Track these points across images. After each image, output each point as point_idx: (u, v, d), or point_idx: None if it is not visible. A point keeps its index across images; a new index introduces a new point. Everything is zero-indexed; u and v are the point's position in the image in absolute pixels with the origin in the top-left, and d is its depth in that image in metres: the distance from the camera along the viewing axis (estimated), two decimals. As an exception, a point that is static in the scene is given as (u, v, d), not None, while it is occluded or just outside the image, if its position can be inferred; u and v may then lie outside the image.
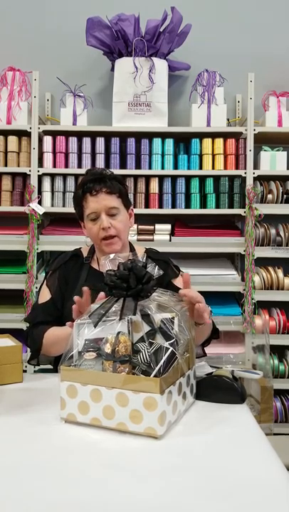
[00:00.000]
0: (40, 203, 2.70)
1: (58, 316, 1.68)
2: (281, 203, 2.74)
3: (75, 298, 1.40)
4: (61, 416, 1.20)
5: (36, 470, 0.98)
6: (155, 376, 1.12)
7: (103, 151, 2.75)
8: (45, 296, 1.72)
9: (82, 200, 1.67)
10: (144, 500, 0.87)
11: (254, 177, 2.70)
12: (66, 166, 2.74)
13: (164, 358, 1.14)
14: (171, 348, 1.16)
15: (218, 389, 1.36)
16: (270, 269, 2.74)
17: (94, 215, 1.64)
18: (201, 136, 2.75)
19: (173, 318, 1.23)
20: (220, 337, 1.77)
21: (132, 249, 1.78)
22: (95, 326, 1.21)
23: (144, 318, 1.21)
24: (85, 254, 1.78)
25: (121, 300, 1.23)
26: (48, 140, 2.73)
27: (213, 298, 2.69)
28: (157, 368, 1.13)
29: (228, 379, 1.38)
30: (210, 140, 2.73)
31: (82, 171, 2.69)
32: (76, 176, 2.73)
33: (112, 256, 1.32)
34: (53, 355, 1.68)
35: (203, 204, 2.75)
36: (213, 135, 2.74)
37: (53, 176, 2.74)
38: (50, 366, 1.79)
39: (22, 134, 2.73)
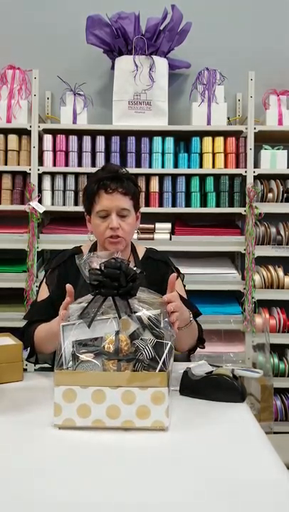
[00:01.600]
0: (40, 201, 2.70)
1: (56, 314, 1.67)
2: (281, 201, 2.73)
3: (68, 286, 1.37)
4: (55, 423, 1.15)
5: (35, 469, 0.98)
6: (161, 370, 1.14)
7: (103, 150, 2.74)
8: (44, 294, 1.72)
9: (95, 195, 1.64)
10: (144, 499, 0.87)
11: (254, 176, 2.69)
12: (66, 165, 2.74)
13: (166, 352, 1.16)
14: (170, 343, 1.18)
15: (218, 388, 1.37)
16: (270, 267, 2.74)
17: (104, 212, 1.62)
18: (202, 134, 2.74)
19: (159, 314, 1.24)
20: (205, 347, 1.77)
21: (132, 248, 1.78)
22: (88, 326, 1.21)
23: (132, 315, 1.22)
24: (85, 252, 1.75)
25: (108, 299, 1.23)
26: (48, 138, 2.72)
27: (214, 297, 2.70)
28: (161, 362, 1.14)
29: (228, 378, 1.38)
30: (210, 139, 2.73)
31: (83, 169, 2.71)
32: (76, 175, 2.73)
33: (91, 254, 1.32)
34: (49, 353, 1.66)
35: (204, 203, 2.75)
36: (214, 134, 2.73)
37: (53, 174, 2.73)
38: (48, 365, 1.78)
39: (22, 132, 2.72)
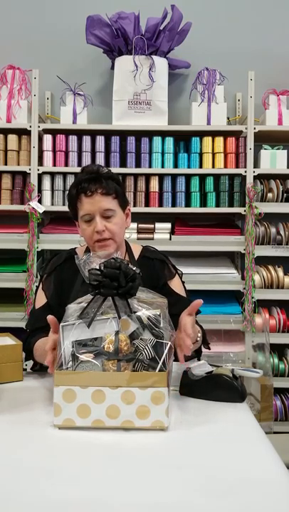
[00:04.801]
0: (40, 201, 2.70)
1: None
2: (281, 201, 2.73)
3: (49, 317, 1.31)
4: (55, 423, 1.15)
5: (35, 469, 0.98)
6: (160, 370, 1.14)
7: (103, 150, 2.74)
8: (42, 300, 1.68)
9: (76, 200, 1.61)
10: (144, 499, 0.87)
11: (254, 175, 2.69)
12: (66, 165, 2.74)
13: (166, 352, 1.16)
14: (169, 343, 1.19)
15: (218, 387, 1.37)
16: (270, 267, 2.74)
17: (88, 216, 1.58)
18: (201, 134, 2.74)
19: (159, 314, 1.24)
20: (210, 348, 1.74)
21: (127, 248, 1.75)
22: (88, 326, 1.21)
23: (131, 315, 1.22)
24: (80, 254, 1.72)
25: (108, 299, 1.23)
26: (47, 138, 2.72)
27: (214, 297, 2.69)
28: (161, 362, 1.15)
29: (228, 377, 1.38)
30: (210, 138, 2.73)
31: (82, 169, 2.71)
32: (76, 175, 2.72)
33: (91, 254, 1.31)
34: None
35: (204, 202, 2.75)
36: (214, 133, 2.73)
37: (53, 174, 2.73)
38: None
39: (22, 132, 2.72)
